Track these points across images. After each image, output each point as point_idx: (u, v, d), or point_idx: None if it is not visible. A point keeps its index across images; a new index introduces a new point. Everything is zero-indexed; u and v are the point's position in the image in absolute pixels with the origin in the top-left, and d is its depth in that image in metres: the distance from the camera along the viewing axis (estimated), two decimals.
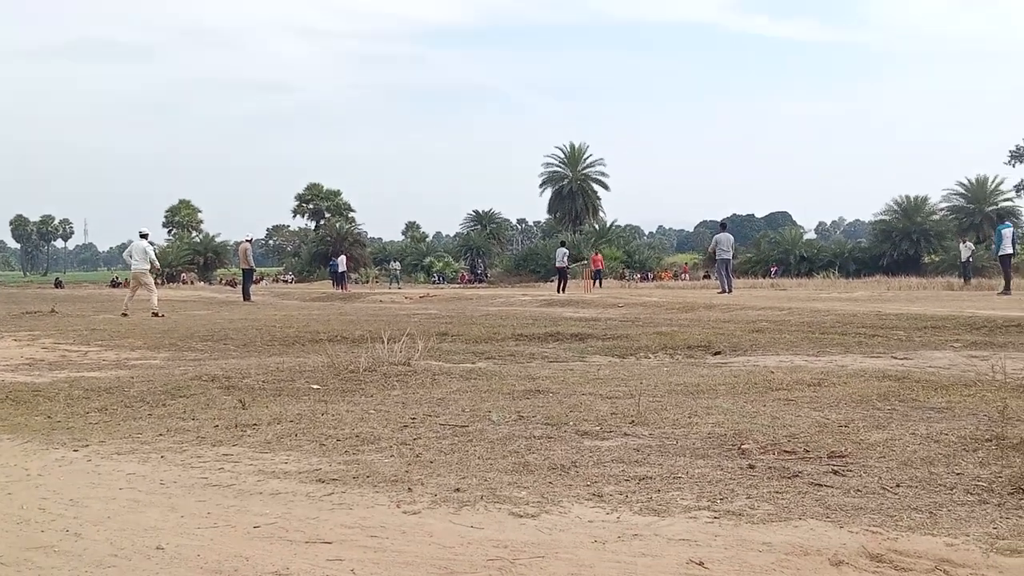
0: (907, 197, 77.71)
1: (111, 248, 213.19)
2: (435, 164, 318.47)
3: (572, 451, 5.11)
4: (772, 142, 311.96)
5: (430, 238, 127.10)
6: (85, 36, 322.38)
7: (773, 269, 69.23)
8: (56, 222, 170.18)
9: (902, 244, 73.79)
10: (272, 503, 4.20)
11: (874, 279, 48.41)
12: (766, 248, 78.94)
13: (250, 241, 29.54)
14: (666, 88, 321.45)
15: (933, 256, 73.08)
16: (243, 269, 29.64)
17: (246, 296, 28.28)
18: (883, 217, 79.45)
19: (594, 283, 41.01)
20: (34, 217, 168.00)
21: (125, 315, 18.71)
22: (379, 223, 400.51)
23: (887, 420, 5.80)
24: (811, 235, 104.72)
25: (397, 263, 67.61)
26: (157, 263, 20.49)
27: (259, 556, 3.44)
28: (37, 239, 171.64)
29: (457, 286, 61.49)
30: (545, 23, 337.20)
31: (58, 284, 66.62)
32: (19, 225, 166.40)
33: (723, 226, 29.91)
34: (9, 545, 3.64)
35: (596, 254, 50.00)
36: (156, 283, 20.34)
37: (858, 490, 4.16)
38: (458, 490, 4.31)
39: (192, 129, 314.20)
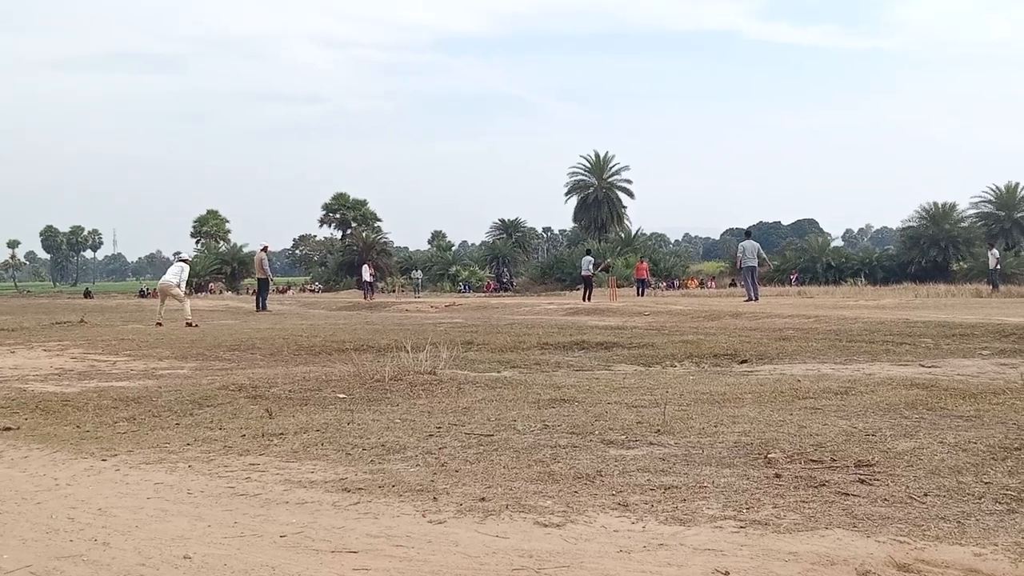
0: (935, 204, 77.30)
1: (140, 258, 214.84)
2: (460, 173, 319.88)
3: (597, 460, 5.11)
4: (798, 149, 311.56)
5: (456, 247, 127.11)
6: (114, 48, 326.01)
7: (794, 276, 68.70)
8: (85, 233, 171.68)
9: (930, 251, 73.30)
10: (298, 512, 4.22)
11: (902, 286, 48.06)
12: (792, 256, 78.52)
13: (265, 250, 29.30)
14: (691, 96, 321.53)
15: (962, 263, 72.53)
16: (259, 279, 29.30)
17: (261, 306, 27.89)
18: (911, 224, 79.04)
19: (638, 292, 40.51)
20: (64, 228, 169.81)
21: (160, 324, 18.87)
22: (405, 232, 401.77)
23: (915, 429, 5.76)
24: (838, 242, 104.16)
25: (419, 272, 67.71)
26: (181, 288, 20.46)
27: (285, 565, 3.45)
28: (67, 250, 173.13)
29: (483, 295, 61.41)
30: (568, 32, 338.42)
31: (87, 294, 66.96)
32: (49, 236, 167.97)
33: (748, 234, 29.81)
34: (39, 554, 3.67)
35: (641, 262, 47.55)
36: (185, 293, 20.49)
37: (885, 499, 4.14)
38: (483, 499, 4.31)
39: (220, 140, 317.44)
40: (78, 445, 6.01)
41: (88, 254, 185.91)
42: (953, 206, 77.44)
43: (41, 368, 10.64)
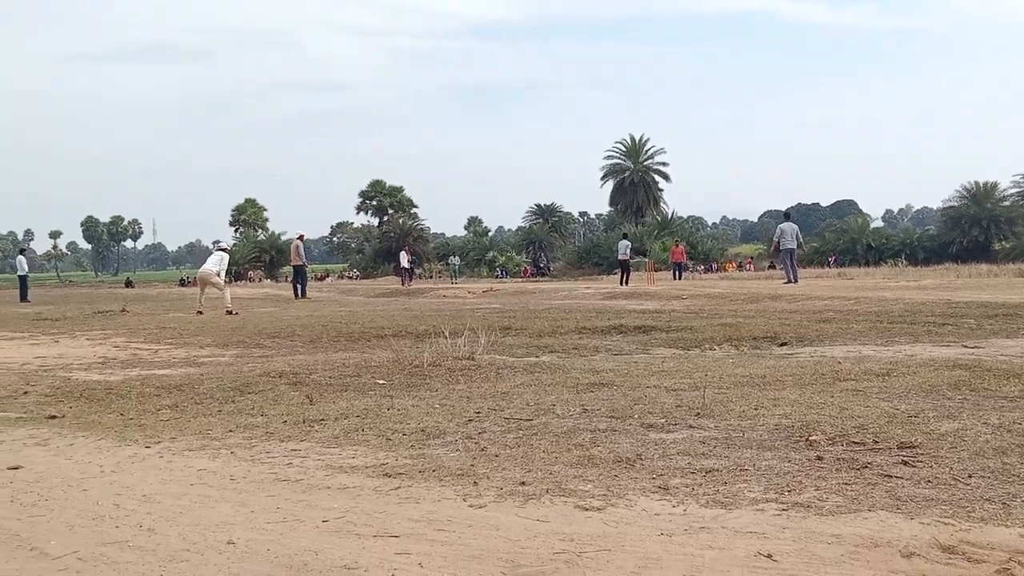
0: (976, 183, 76.56)
1: (179, 247, 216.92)
2: (496, 159, 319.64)
3: (637, 444, 5.10)
4: (836, 130, 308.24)
5: (492, 232, 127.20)
6: (146, 40, 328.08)
7: (831, 258, 67.95)
8: (126, 223, 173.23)
9: (972, 231, 72.62)
10: (340, 497, 4.24)
11: (943, 267, 47.60)
12: (832, 238, 77.93)
13: (301, 238, 29.38)
14: (726, 78, 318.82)
15: (1004, 243, 71.79)
16: (295, 266, 29.31)
17: (301, 293, 27.91)
18: (952, 204, 78.37)
19: (675, 276, 40.21)
20: (104, 218, 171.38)
21: (200, 313, 19.06)
22: (442, 218, 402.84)
23: (958, 410, 5.71)
24: (878, 223, 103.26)
25: (456, 257, 67.91)
26: (221, 277, 20.65)
27: (328, 550, 3.48)
28: (107, 240, 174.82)
29: (520, 280, 61.37)
30: (599, 17, 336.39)
31: (128, 284, 67.67)
32: (90, 226, 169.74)
33: (787, 216, 29.77)
34: (85, 540, 3.71)
35: (677, 245, 47.02)
36: (225, 281, 20.69)
37: (929, 481, 4.10)
38: (524, 483, 4.31)
39: (256, 129, 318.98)
40: (122, 432, 6.08)
41: (128, 243, 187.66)
42: (995, 185, 76.67)
43: (85, 357, 10.76)
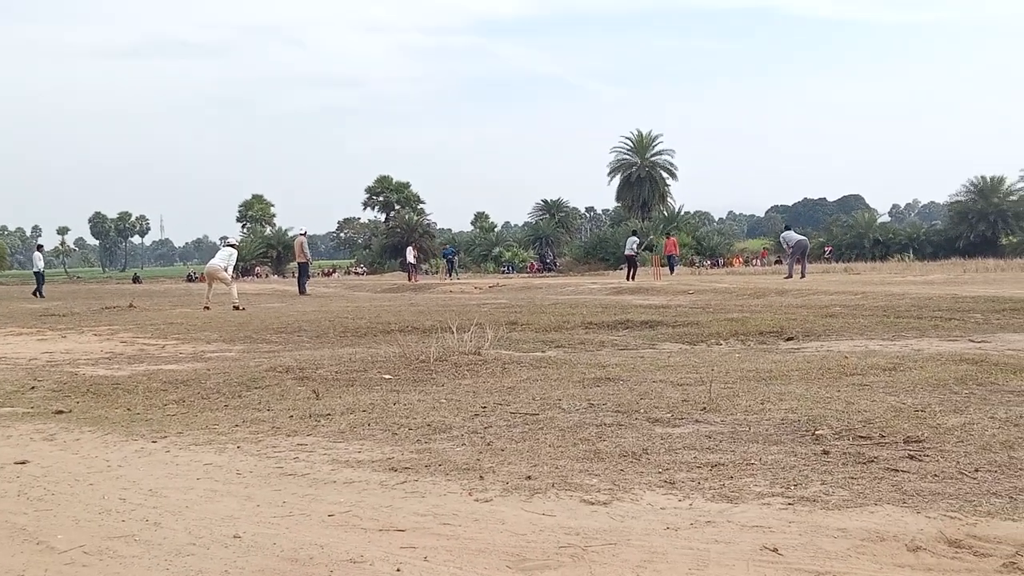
0: (983, 177, 76.24)
1: (187, 243, 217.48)
2: (503, 154, 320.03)
3: (643, 438, 5.09)
4: (843, 125, 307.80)
5: (499, 228, 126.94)
6: (156, 36, 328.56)
7: (827, 250, 67.44)
8: (133, 219, 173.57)
9: (979, 225, 72.39)
10: (346, 492, 4.25)
11: (950, 261, 47.34)
12: (838, 232, 77.71)
13: (304, 235, 29.53)
14: (733, 73, 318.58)
15: (1011, 237, 71.55)
16: (299, 263, 29.55)
17: (302, 290, 27.92)
18: (959, 198, 78.01)
19: (670, 270, 40.12)
20: (112, 214, 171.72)
21: (207, 308, 19.10)
22: (448, 214, 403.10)
23: (965, 404, 5.70)
24: (885, 218, 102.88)
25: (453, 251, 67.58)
26: (228, 272, 20.61)
27: (334, 544, 3.48)
28: (115, 236, 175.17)
29: (526, 275, 61.29)
30: (606, 12, 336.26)
31: (136, 279, 67.72)
32: (98, 222, 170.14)
33: (787, 228, 31.12)
34: (92, 534, 3.72)
35: (669, 237, 46.89)
36: (232, 277, 20.69)
37: (935, 475, 4.10)
38: (529, 478, 4.32)
39: (264, 125, 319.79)
40: (129, 427, 6.09)
41: (136, 239, 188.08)
42: (1002, 179, 76.26)
43: (92, 352, 10.78)
